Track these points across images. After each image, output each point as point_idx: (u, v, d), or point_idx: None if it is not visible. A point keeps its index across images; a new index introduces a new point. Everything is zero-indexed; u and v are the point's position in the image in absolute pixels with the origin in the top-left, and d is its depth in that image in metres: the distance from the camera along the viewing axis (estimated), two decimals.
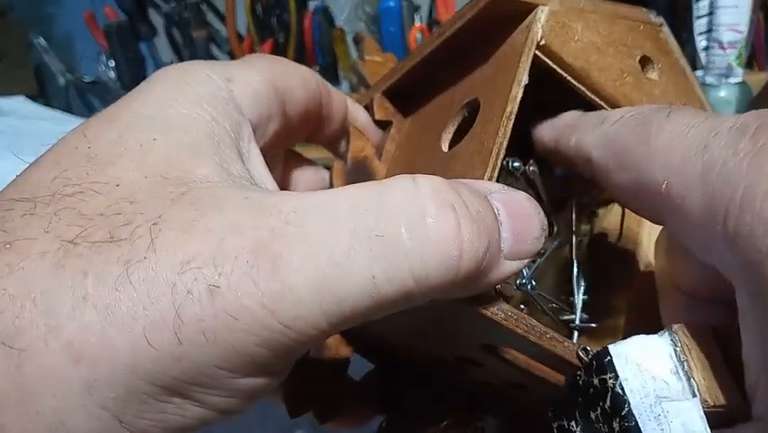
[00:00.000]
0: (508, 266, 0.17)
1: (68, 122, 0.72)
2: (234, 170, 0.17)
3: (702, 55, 0.56)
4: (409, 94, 0.26)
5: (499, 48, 0.23)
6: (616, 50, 0.23)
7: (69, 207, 0.14)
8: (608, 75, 0.22)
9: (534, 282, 0.23)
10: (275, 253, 0.14)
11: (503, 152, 0.20)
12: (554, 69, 0.22)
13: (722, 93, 0.55)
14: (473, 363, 0.23)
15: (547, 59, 0.21)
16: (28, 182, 0.16)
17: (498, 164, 0.19)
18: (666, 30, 0.25)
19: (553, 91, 0.22)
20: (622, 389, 0.16)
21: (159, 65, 0.81)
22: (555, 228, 0.24)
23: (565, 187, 0.26)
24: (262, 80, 0.20)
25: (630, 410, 0.16)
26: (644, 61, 0.24)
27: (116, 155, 0.16)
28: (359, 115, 0.26)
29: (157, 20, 0.80)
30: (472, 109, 0.22)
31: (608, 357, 0.17)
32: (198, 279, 0.14)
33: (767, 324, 0.14)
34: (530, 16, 0.21)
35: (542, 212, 0.18)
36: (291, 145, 0.24)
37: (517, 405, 0.27)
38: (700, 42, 0.56)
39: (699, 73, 0.56)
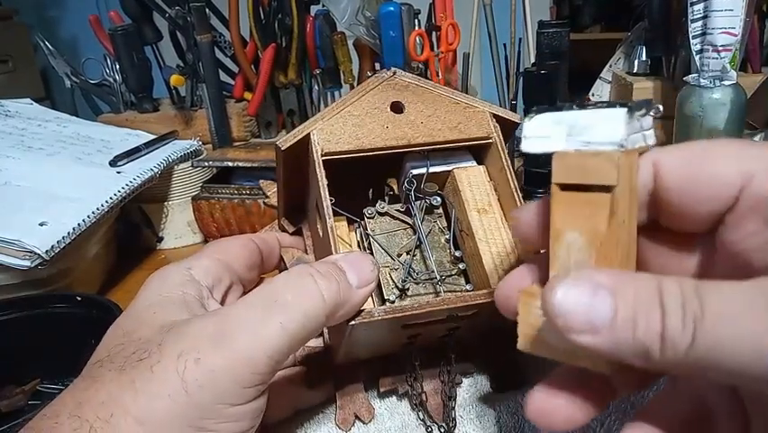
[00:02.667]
0: (363, 291, 0.29)
1: (74, 123, 0.73)
2: (198, 313, 0.29)
3: (697, 58, 0.57)
4: (299, 205, 0.41)
5: (308, 165, 0.35)
6: (370, 114, 0.35)
7: (121, 354, 0.27)
8: (374, 134, 0.34)
9: (410, 275, 0.35)
10: (226, 332, 0.26)
11: (334, 231, 0.32)
12: (343, 158, 0.34)
13: (716, 95, 0.56)
14: (414, 337, 0.34)
15: (332, 157, 0.34)
16: (102, 349, 0.28)
17: (334, 240, 0.32)
18: (399, 74, 0.36)
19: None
20: None
21: (163, 68, 0.82)
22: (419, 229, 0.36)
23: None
24: (210, 260, 0.33)
25: None
26: (394, 106, 0.35)
27: (136, 327, 0.28)
28: (283, 239, 0.41)
29: (162, 24, 0.81)
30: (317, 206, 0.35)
31: None
32: (188, 358, 0.25)
33: None
34: (311, 140, 0.34)
35: (371, 257, 0.31)
36: (250, 285, 0.37)
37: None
38: (695, 46, 0.57)
39: (694, 75, 0.57)
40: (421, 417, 0.35)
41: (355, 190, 0.38)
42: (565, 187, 0.23)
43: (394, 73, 0.36)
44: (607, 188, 0.21)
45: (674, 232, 0.23)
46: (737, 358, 0.17)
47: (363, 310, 0.30)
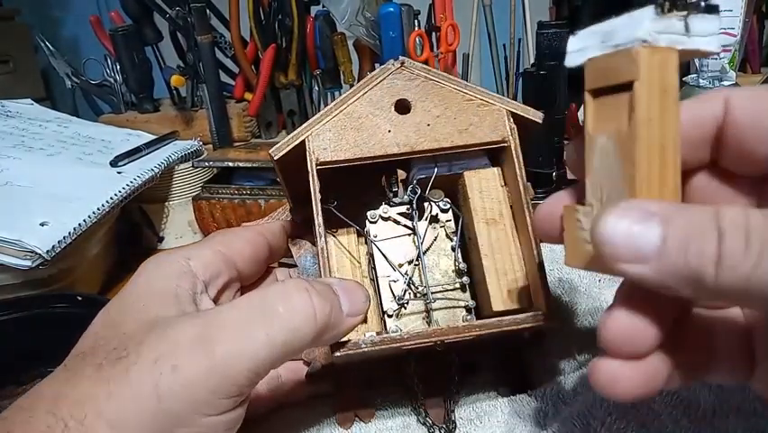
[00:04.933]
0: (352, 321, 0.28)
1: (75, 123, 0.74)
2: (188, 309, 0.28)
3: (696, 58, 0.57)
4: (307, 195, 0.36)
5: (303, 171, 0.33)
6: (372, 116, 0.32)
7: (104, 348, 0.26)
8: (374, 140, 0.32)
9: (410, 287, 0.33)
10: (208, 339, 0.25)
11: (325, 253, 0.30)
12: (336, 167, 0.32)
13: None
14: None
15: (328, 166, 0.32)
16: (88, 338, 0.28)
17: (326, 264, 0.30)
18: (408, 64, 0.33)
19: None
20: None
21: (164, 69, 0.82)
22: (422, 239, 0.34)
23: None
24: (212, 252, 0.32)
25: None
26: (399, 105, 0.33)
27: (123, 319, 0.27)
28: (291, 228, 0.39)
29: (162, 24, 0.81)
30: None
31: None
32: (164, 364, 0.24)
33: None
34: (306, 147, 0.32)
35: (365, 288, 0.30)
36: (253, 279, 0.36)
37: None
38: None
39: (693, 76, 0.57)
40: (422, 419, 0.34)
41: (363, 185, 0.35)
42: (596, 93, 0.23)
43: (402, 63, 0.32)
44: (629, 87, 0.21)
45: (730, 176, 0.23)
46: None
47: (349, 341, 0.29)
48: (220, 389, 0.24)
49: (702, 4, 0.21)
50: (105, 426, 0.23)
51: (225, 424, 0.25)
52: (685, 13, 0.20)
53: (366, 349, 0.29)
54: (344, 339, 0.29)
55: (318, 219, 0.31)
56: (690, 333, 0.23)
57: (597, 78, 0.23)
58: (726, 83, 0.55)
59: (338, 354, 0.29)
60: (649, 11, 0.20)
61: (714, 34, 0.21)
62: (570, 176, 0.28)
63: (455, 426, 0.34)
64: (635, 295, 0.21)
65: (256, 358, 0.25)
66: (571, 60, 0.23)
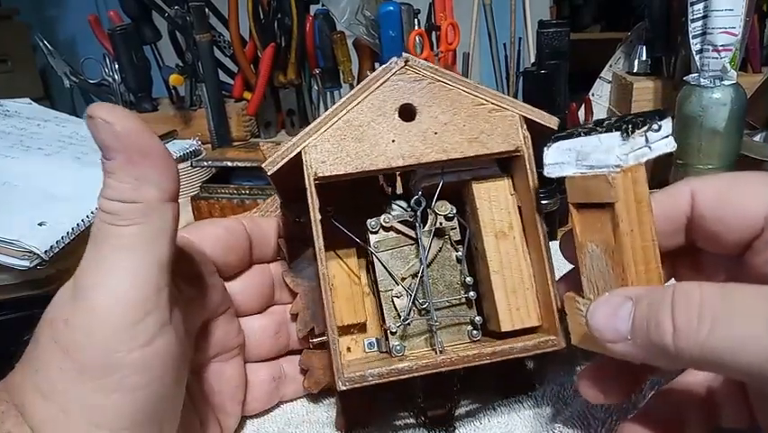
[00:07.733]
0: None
1: (73, 123, 0.73)
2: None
3: (697, 58, 0.57)
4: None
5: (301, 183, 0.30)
6: (374, 123, 0.29)
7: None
8: (376, 151, 0.29)
9: (413, 310, 0.31)
10: (81, 286, 0.24)
11: (326, 280, 0.28)
12: (337, 181, 0.29)
13: (716, 95, 0.56)
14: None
15: (325, 180, 0.29)
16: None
17: (328, 289, 0.28)
18: (413, 62, 0.30)
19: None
20: None
21: (163, 68, 0.82)
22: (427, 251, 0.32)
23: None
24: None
25: None
26: (404, 111, 0.30)
27: None
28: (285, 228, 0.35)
29: (161, 23, 0.80)
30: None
31: None
32: (58, 322, 0.24)
33: None
34: (302, 159, 0.29)
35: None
36: (233, 270, 0.33)
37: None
38: (695, 45, 0.57)
39: (694, 75, 0.57)
40: (422, 420, 0.34)
41: (362, 189, 0.33)
42: (579, 205, 0.26)
43: (406, 62, 0.29)
44: (610, 205, 0.24)
45: (708, 253, 0.26)
46: (755, 357, 0.18)
47: (356, 375, 0.28)
48: (123, 314, 0.23)
49: (656, 117, 0.23)
50: (42, 400, 0.23)
51: (157, 356, 0.24)
52: (645, 128, 0.23)
53: (372, 382, 0.28)
54: (351, 373, 0.28)
55: (319, 242, 0.28)
56: (693, 390, 0.27)
57: (578, 194, 0.26)
58: (726, 82, 0.55)
59: (344, 387, 0.28)
60: (616, 137, 0.24)
61: (670, 135, 0.24)
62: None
63: (455, 427, 0.34)
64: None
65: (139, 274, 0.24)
66: (551, 172, 0.26)
